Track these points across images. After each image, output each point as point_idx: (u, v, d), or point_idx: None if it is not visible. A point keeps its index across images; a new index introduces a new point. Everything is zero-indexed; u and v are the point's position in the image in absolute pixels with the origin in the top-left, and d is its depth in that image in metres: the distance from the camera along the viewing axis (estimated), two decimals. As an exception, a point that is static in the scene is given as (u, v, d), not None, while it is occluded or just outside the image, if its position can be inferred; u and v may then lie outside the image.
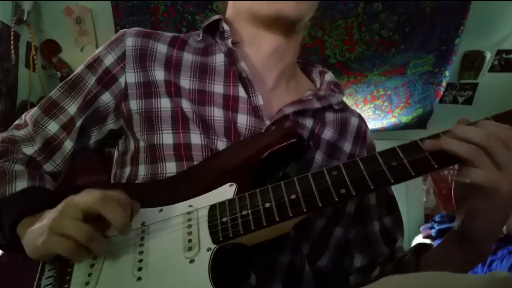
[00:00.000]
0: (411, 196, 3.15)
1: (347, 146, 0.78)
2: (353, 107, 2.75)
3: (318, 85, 0.83)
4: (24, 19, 2.07)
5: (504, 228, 2.58)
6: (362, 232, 0.77)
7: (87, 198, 0.50)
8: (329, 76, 0.82)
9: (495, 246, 2.34)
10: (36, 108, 0.72)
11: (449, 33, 2.27)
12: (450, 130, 0.53)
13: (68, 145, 0.70)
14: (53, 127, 0.70)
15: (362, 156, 0.54)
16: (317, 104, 0.74)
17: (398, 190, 3.15)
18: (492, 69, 2.56)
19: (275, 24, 0.71)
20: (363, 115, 3.09)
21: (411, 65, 2.48)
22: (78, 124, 0.70)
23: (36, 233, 0.52)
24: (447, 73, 2.53)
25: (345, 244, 0.76)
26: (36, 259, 0.54)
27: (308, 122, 0.74)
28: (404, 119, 2.95)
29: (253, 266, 0.61)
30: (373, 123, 2.98)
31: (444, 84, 2.62)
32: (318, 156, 0.72)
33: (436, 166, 0.51)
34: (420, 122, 2.97)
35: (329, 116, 0.78)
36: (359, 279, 0.75)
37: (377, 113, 2.88)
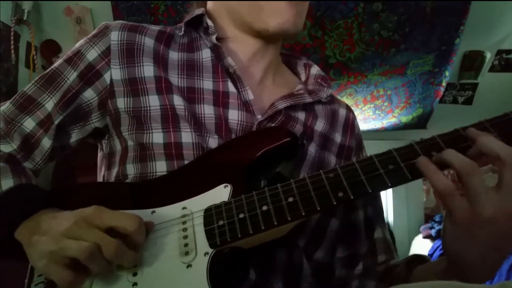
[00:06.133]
0: (411, 196, 3.14)
1: (337, 137, 0.78)
2: (353, 107, 2.75)
3: (303, 78, 0.83)
4: (24, 19, 2.06)
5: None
6: (348, 222, 0.76)
7: (76, 248, 0.47)
8: (315, 69, 0.81)
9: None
10: (8, 104, 0.67)
11: (449, 33, 2.27)
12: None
13: (46, 143, 0.66)
14: (29, 123, 0.65)
15: (359, 159, 0.53)
16: (308, 99, 0.74)
17: (398, 190, 3.14)
18: (492, 69, 2.56)
19: (271, 38, 0.72)
20: (363, 115, 3.06)
21: (411, 65, 2.48)
22: (56, 121, 0.65)
23: (37, 253, 0.49)
24: (447, 73, 2.53)
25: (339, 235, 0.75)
26: None
27: (301, 115, 0.74)
28: (404, 119, 2.95)
29: (252, 263, 0.60)
30: (373, 123, 2.98)
31: (444, 84, 2.62)
32: (312, 149, 0.72)
33: None
34: (420, 122, 2.98)
35: (319, 108, 0.78)
36: (342, 272, 0.74)
37: (377, 113, 2.88)
